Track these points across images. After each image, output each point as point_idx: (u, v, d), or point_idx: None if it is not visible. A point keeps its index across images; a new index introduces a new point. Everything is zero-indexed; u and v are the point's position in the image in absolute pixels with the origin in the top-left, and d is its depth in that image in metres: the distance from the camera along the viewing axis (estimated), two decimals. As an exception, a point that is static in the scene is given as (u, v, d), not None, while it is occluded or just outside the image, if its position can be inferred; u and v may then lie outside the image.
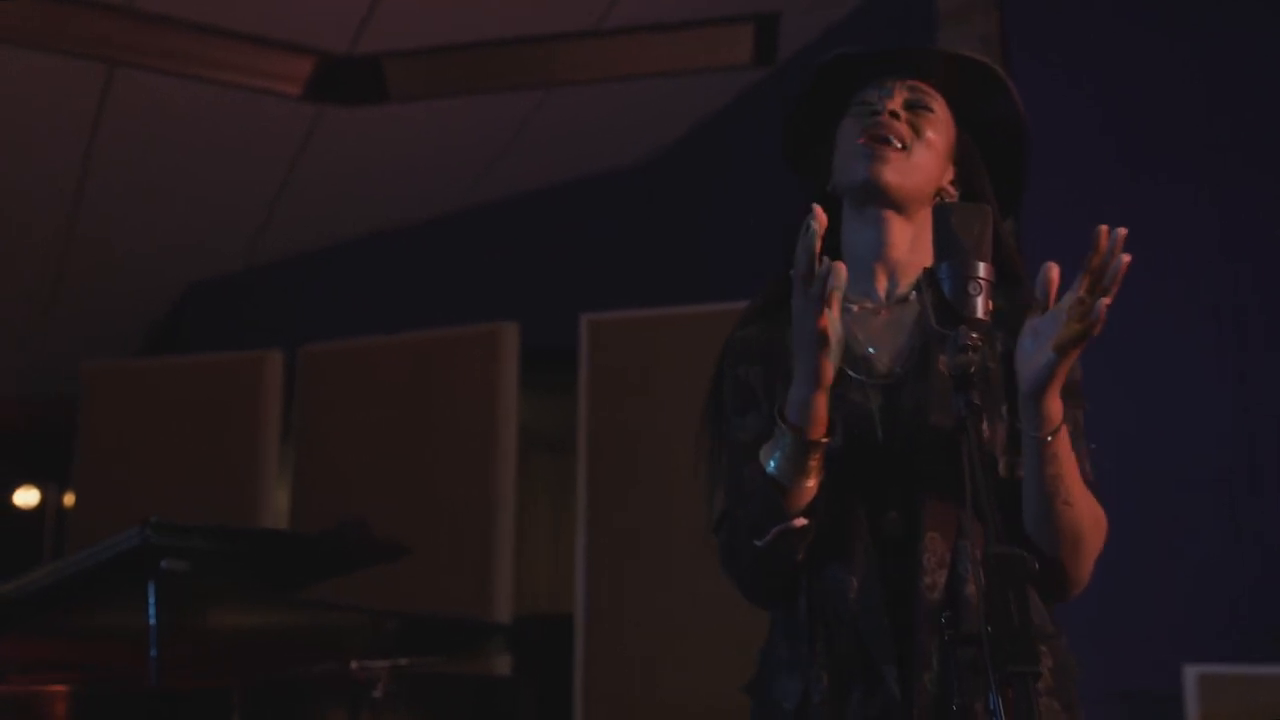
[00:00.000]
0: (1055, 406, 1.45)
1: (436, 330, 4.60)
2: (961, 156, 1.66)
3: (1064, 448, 1.46)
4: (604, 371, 4.33)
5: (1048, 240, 3.59)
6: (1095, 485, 1.54)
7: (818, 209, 1.38)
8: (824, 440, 1.46)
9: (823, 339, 1.40)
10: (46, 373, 6.19)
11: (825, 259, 1.40)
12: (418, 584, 4.30)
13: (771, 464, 1.47)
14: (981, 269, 1.35)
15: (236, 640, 2.41)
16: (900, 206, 1.60)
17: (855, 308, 1.60)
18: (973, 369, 1.31)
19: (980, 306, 1.33)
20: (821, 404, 1.44)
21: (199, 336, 5.93)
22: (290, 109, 4.73)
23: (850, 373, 1.55)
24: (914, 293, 1.59)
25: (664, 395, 4.32)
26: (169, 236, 5.62)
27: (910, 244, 1.61)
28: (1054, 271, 1.40)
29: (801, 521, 1.46)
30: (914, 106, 1.62)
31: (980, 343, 1.33)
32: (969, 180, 1.66)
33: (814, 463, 1.46)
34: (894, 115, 1.59)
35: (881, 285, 1.63)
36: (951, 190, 1.64)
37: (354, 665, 2.42)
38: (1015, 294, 1.60)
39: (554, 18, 4.40)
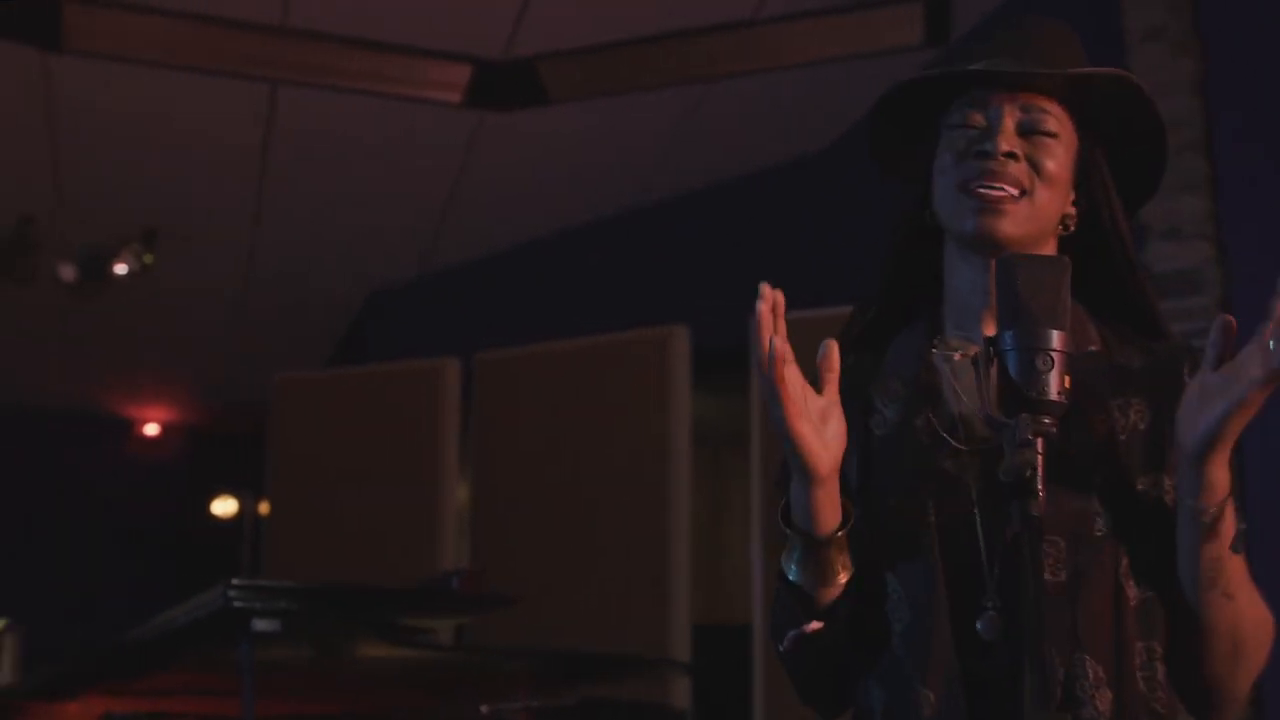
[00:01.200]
0: (1222, 475, 1.20)
1: (607, 335, 4.55)
2: (1085, 173, 1.38)
3: (1229, 528, 1.22)
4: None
5: (1246, 221, 3.25)
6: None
7: (765, 289, 1.19)
8: (838, 534, 1.25)
9: (797, 439, 1.21)
10: (241, 385, 6.38)
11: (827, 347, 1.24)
12: (593, 592, 4.27)
13: (791, 571, 1.27)
14: (1055, 339, 1.11)
15: (357, 684, 2.36)
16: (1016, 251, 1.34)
17: (957, 355, 1.35)
18: (1029, 472, 1.08)
19: (1053, 385, 1.10)
20: (823, 497, 1.24)
21: (382, 344, 6.00)
22: (451, 116, 4.70)
23: (945, 435, 1.31)
24: None
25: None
26: (346, 248, 5.69)
27: None
28: (1229, 325, 1.17)
29: (815, 625, 1.27)
30: (1031, 132, 1.34)
31: (1053, 428, 1.10)
32: (1094, 199, 1.39)
33: (835, 559, 1.25)
34: (1011, 156, 1.32)
35: (990, 332, 1.37)
36: (1073, 212, 1.38)
37: (483, 709, 2.33)
38: (1155, 349, 1.35)
39: (707, 10, 4.23)
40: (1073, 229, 1.36)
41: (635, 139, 4.92)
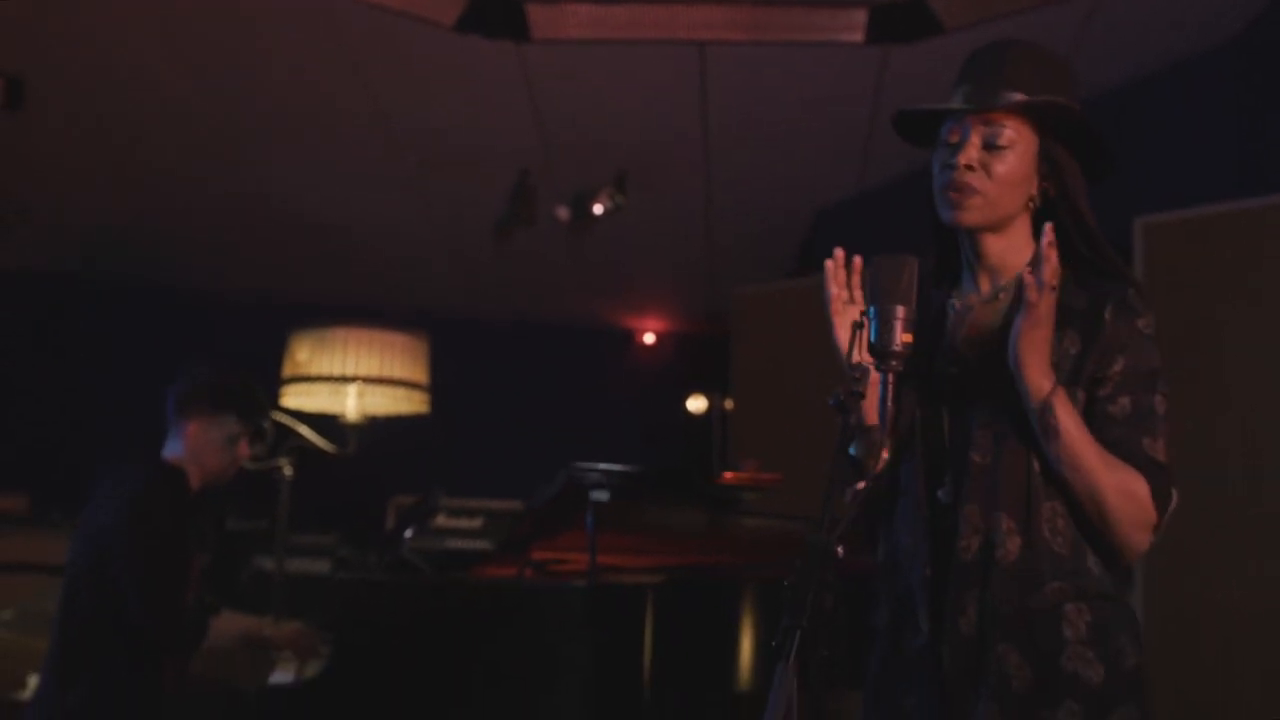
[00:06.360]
0: (1039, 381, 1.68)
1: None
2: (1047, 161, 1.84)
3: (1061, 419, 1.68)
4: (1161, 274, 4.44)
5: None
6: (1155, 464, 1.70)
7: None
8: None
9: None
10: (716, 297, 7.26)
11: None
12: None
13: (851, 448, 1.82)
14: (899, 311, 1.60)
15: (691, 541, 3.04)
16: (987, 229, 1.83)
17: (958, 304, 1.87)
18: (843, 398, 1.58)
19: (896, 340, 1.60)
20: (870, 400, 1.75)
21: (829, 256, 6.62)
22: (859, 53, 5.22)
23: (939, 361, 1.83)
24: (1002, 292, 1.83)
25: (1224, 294, 4.32)
26: (790, 174, 6.35)
27: (1003, 250, 1.84)
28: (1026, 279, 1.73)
29: (861, 485, 1.80)
30: (989, 146, 1.81)
31: (899, 367, 1.59)
32: (1059, 180, 1.83)
33: (881, 442, 1.77)
34: (969, 168, 1.81)
35: (985, 285, 1.88)
36: (1035, 194, 1.83)
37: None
38: (1098, 291, 1.78)
39: (1080, -70, 4.46)
40: (1037, 207, 1.82)
41: (1033, 55, 5.18)
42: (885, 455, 1.80)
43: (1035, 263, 1.69)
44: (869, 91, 5.52)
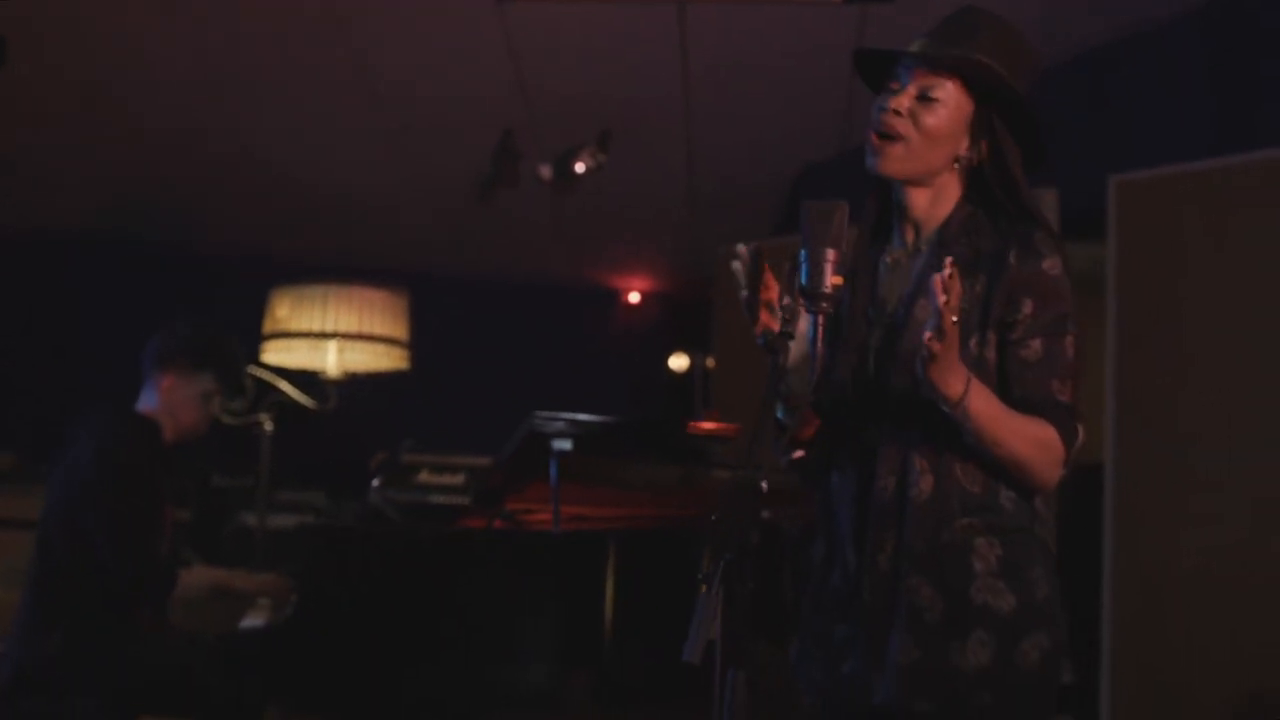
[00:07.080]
0: (950, 386, 1.71)
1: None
2: (980, 124, 1.87)
3: (975, 414, 1.73)
4: (1134, 234, 4.48)
5: None
6: (1062, 406, 1.75)
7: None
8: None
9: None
10: (701, 257, 7.28)
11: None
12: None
13: (782, 416, 1.90)
14: (829, 254, 1.64)
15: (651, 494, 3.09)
16: (912, 182, 1.86)
17: (889, 259, 1.91)
18: (774, 335, 1.63)
19: (826, 282, 1.64)
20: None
21: (811, 217, 6.65)
22: (836, 14, 5.23)
23: (869, 312, 1.88)
24: (924, 245, 1.87)
25: (1196, 255, 4.36)
26: (771, 132, 6.37)
27: (929, 204, 1.88)
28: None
29: (799, 454, 1.88)
30: (922, 98, 1.85)
31: (829, 309, 1.63)
32: (991, 142, 1.86)
33: (808, 414, 1.84)
34: (897, 113, 1.84)
35: (910, 237, 1.92)
36: (969, 156, 1.86)
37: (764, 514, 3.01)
38: (1006, 235, 1.81)
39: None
40: (965, 167, 1.85)
41: (1013, 14, 5.20)
42: (816, 424, 1.87)
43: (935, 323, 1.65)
44: (848, 49, 5.52)
